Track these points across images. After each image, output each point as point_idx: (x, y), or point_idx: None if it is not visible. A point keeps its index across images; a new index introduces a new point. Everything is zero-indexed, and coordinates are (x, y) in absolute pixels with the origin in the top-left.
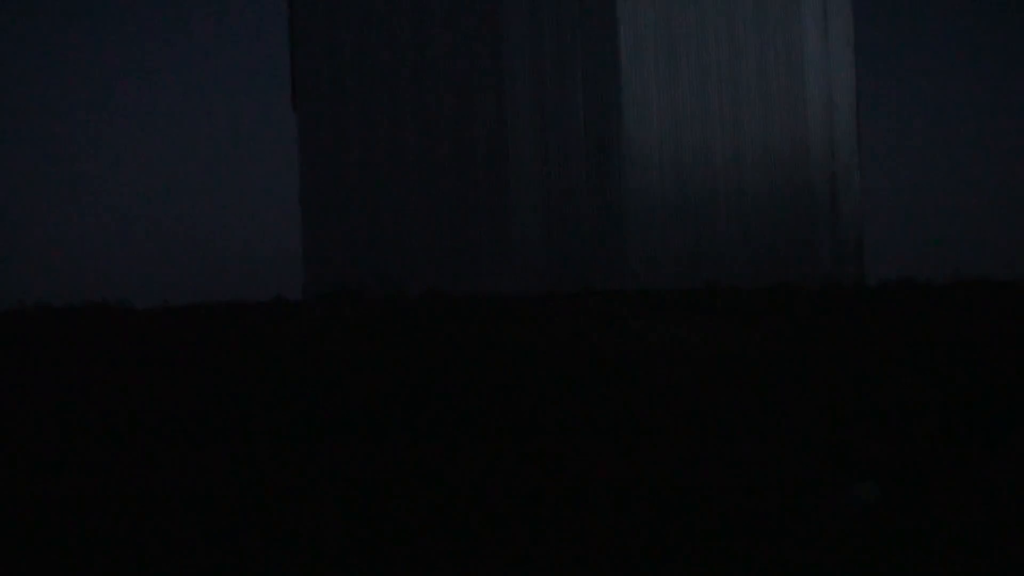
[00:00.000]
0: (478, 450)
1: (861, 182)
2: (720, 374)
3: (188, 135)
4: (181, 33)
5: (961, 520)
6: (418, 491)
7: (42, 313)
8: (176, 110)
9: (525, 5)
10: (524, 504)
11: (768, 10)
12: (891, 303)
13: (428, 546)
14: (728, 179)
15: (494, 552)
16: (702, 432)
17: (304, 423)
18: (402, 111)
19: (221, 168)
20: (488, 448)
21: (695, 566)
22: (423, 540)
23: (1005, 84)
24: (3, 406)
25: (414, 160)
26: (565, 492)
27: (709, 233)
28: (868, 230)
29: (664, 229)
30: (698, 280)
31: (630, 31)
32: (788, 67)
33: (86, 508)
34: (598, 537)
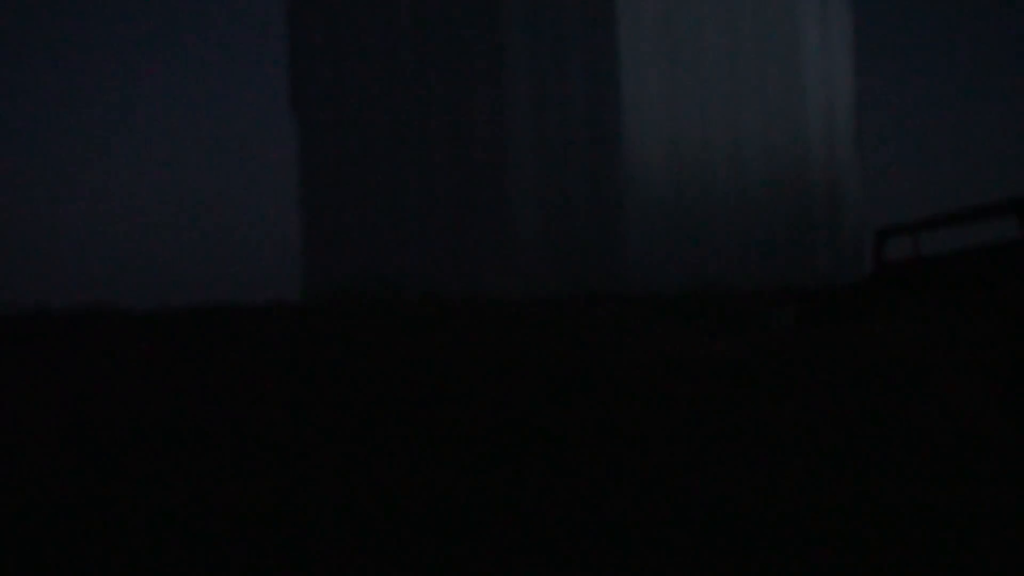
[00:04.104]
0: (476, 452)
1: (861, 182)
2: (719, 377)
3: (187, 137)
4: (181, 34)
5: (967, 524)
6: (416, 495)
7: (40, 317)
8: (175, 111)
9: (525, 7)
10: (522, 507)
11: (767, 11)
12: (889, 303)
13: (425, 551)
14: (728, 179)
15: (491, 556)
16: (701, 435)
17: (303, 425)
18: (401, 112)
19: (221, 170)
20: (486, 450)
21: (695, 567)
22: (421, 544)
23: (1005, 83)
24: (1, 409)
25: (413, 161)
26: (564, 494)
27: (709, 234)
28: (868, 230)
29: (663, 230)
30: (697, 281)
31: (630, 33)
32: (788, 68)
33: (85, 510)
34: (597, 539)
